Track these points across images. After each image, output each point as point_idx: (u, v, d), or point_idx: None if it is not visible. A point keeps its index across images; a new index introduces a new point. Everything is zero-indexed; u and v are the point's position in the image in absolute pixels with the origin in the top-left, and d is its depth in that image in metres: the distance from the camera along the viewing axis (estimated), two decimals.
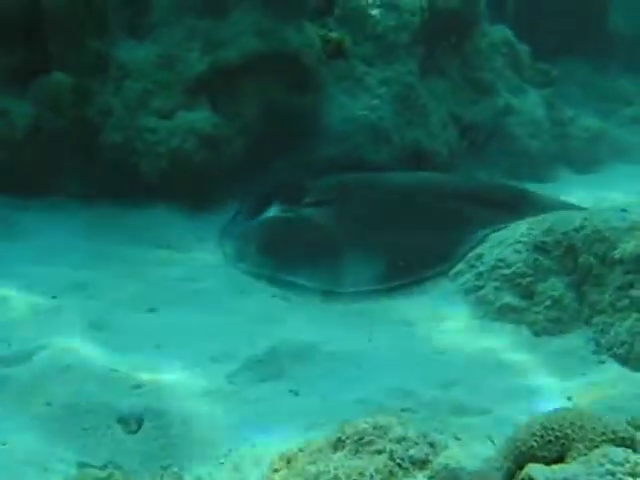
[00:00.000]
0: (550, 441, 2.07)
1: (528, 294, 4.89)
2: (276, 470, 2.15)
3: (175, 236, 5.97)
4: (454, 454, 2.08)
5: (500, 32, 9.34)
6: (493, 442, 2.71)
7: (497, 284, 5.00)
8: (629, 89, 11.12)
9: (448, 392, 4.05)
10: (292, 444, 2.42)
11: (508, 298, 4.92)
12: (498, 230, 5.41)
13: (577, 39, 10.49)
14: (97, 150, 6.32)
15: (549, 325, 4.74)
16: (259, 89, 6.77)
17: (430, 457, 2.06)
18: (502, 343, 4.66)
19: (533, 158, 8.76)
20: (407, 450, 2.05)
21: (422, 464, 2.04)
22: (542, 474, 1.94)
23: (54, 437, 3.39)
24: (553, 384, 4.13)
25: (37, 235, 5.70)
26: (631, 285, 4.49)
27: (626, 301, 4.48)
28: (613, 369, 4.29)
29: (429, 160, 7.60)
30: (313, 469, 1.98)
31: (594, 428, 2.06)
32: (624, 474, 1.89)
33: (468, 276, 5.20)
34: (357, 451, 2.04)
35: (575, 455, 2.02)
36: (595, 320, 4.59)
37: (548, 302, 4.79)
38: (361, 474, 1.88)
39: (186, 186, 6.29)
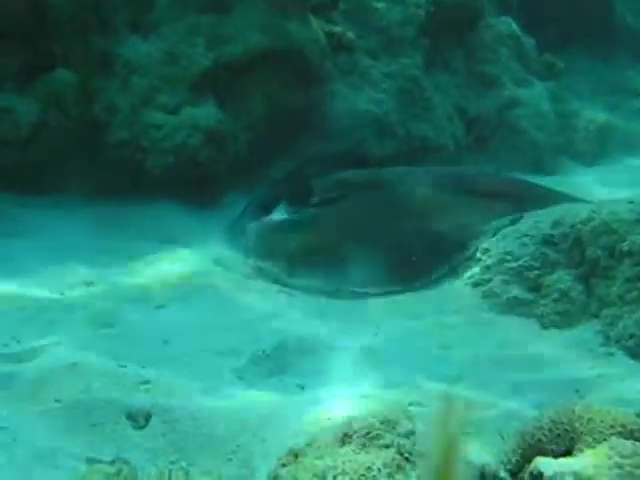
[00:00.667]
0: (558, 434, 2.06)
1: (536, 287, 4.88)
2: (284, 465, 2.15)
3: (181, 232, 5.97)
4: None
5: (505, 24, 9.31)
6: (502, 436, 2.71)
7: (504, 277, 4.99)
8: (636, 81, 11.07)
9: (455, 386, 4.04)
10: (300, 439, 2.42)
11: (516, 291, 4.91)
12: (508, 223, 5.39)
13: (583, 31, 10.43)
14: (103, 147, 6.32)
15: (557, 318, 4.72)
16: (264, 84, 6.76)
17: None
18: (510, 336, 4.65)
19: (539, 151, 8.73)
20: (415, 444, 2.05)
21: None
22: (550, 467, 1.94)
23: (63, 433, 3.40)
24: (561, 377, 4.11)
25: (43, 232, 5.71)
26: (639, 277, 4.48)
27: (635, 293, 4.46)
28: (622, 362, 4.27)
29: (435, 154, 7.59)
30: (321, 464, 1.97)
31: (602, 421, 2.05)
32: (632, 467, 1.88)
33: (475, 269, 5.20)
34: (364, 445, 2.03)
35: (583, 448, 2.02)
36: (603, 313, 4.58)
37: (556, 295, 4.78)
38: (369, 469, 1.88)
39: (191, 182, 6.30)
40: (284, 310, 4.95)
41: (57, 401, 3.59)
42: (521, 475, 2.10)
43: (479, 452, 2.68)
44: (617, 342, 4.40)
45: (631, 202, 4.87)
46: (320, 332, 4.64)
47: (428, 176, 6.37)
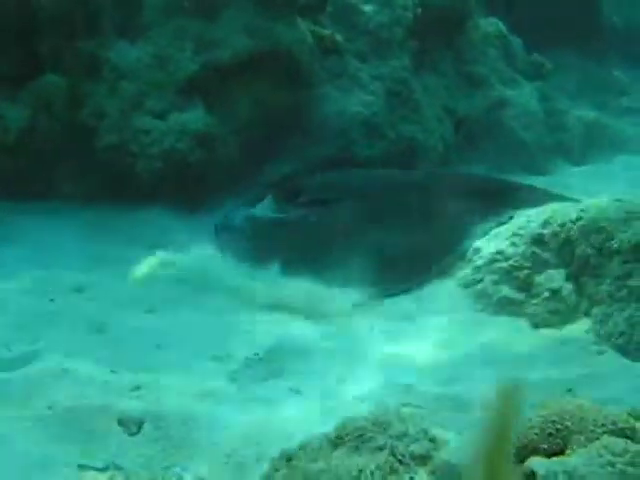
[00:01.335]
0: (551, 434, 2.07)
1: (526, 286, 4.88)
2: (277, 469, 2.14)
3: (171, 236, 5.95)
4: (455, 449, 2.08)
5: (493, 25, 9.35)
6: None
7: (495, 277, 5.00)
8: (623, 80, 11.13)
9: (449, 386, 4.05)
10: (293, 442, 2.42)
11: (506, 291, 4.92)
12: (496, 224, 5.40)
13: (570, 31, 10.49)
14: (92, 152, 6.30)
15: (548, 317, 4.74)
16: (252, 88, 6.76)
17: (431, 453, 2.06)
18: (502, 336, 4.66)
19: (528, 150, 8.76)
20: (408, 446, 2.05)
21: (423, 460, 2.04)
22: (544, 467, 1.94)
23: (55, 440, 3.38)
24: (553, 376, 4.12)
25: (33, 238, 5.69)
26: (629, 275, 4.49)
27: (624, 291, 4.48)
28: (613, 359, 4.28)
29: (424, 154, 7.60)
30: (314, 467, 1.97)
31: (594, 419, 2.06)
32: (624, 464, 1.89)
33: (466, 270, 5.20)
34: (357, 448, 2.03)
35: (576, 447, 2.02)
36: (594, 311, 4.59)
37: (546, 294, 4.79)
38: (362, 471, 1.88)
39: (181, 186, 6.29)
40: (275, 312, 4.94)
41: (49, 408, 3.58)
42: None
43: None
44: (608, 340, 4.41)
45: (619, 200, 4.88)
46: (312, 334, 4.63)
47: (417, 178, 6.38)
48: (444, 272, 5.30)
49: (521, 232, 5.06)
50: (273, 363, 4.25)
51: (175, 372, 4.08)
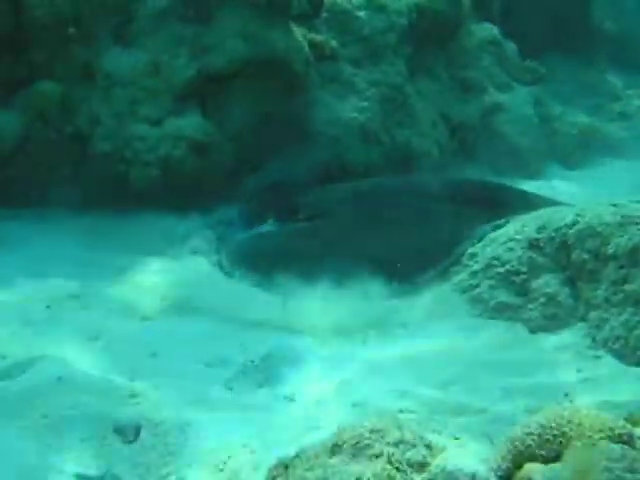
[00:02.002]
0: (548, 440, 2.06)
1: (523, 291, 4.88)
2: (274, 477, 2.13)
3: (166, 243, 5.95)
4: (452, 455, 2.08)
5: (487, 31, 9.38)
6: (492, 441, 2.70)
7: (492, 282, 5.00)
8: (616, 84, 11.17)
9: (446, 392, 4.05)
10: (290, 450, 2.41)
11: (503, 296, 4.92)
12: (493, 229, 5.41)
13: (562, 36, 10.53)
14: (86, 159, 6.30)
15: (545, 322, 4.74)
16: (247, 94, 6.76)
17: (428, 459, 2.05)
18: (498, 341, 4.65)
19: (523, 155, 8.78)
20: (405, 453, 2.04)
21: (420, 467, 2.03)
22: (541, 473, 1.94)
23: (51, 449, 3.37)
24: (550, 381, 4.12)
25: (29, 246, 5.68)
26: (625, 280, 4.49)
27: (621, 296, 4.48)
28: (609, 364, 4.28)
29: (419, 160, 7.61)
30: (311, 475, 1.96)
31: (591, 425, 2.05)
32: (622, 471, 1.88)
33: (463, 275, 5.20)
34: (354, 455, 2.02)
35: None
36: (590, 316, 4.59)
37: (543, 299, 4.79)
38: (359, 479, 1.87)
39: (176, 193, 6.28)
40: (273, 320, 4.94)
41: (44, 416, 3.56)
42: None
43: (470, 458, 2.68)
44: (604, 345, 4.41)
45: (615, 205, 4.89)
46: (309, 342, 4.63)
47: (412, 185, 6.38)
48: (441, 277, 5.30)
49: (517, 237, 5.06)
50: (268, 370, 4.25)
51: (172, 379, 4.07)
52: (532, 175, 8.58)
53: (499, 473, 2.17)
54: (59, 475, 3.22)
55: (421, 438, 2.12)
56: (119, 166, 6.28)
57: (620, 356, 4.32)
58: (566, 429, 2.04)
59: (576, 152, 9.53)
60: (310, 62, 7.12)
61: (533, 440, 2.05)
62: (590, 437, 1.99)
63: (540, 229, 5.00)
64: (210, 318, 4.91)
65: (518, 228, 5.14)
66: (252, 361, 4.29)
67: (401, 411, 3.71)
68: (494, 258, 5.07)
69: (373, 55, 7.74)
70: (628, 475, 1.84)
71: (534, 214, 5.25)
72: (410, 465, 2.01)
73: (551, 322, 4.72)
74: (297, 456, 2.14)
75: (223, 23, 6.75)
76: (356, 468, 1.93)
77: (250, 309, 5.08)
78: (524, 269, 4.92)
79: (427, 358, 4.51)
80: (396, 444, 2.06)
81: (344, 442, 2.07)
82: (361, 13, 7.82)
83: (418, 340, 4.72)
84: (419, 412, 3.74)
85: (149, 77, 6.49)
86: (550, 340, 4.61)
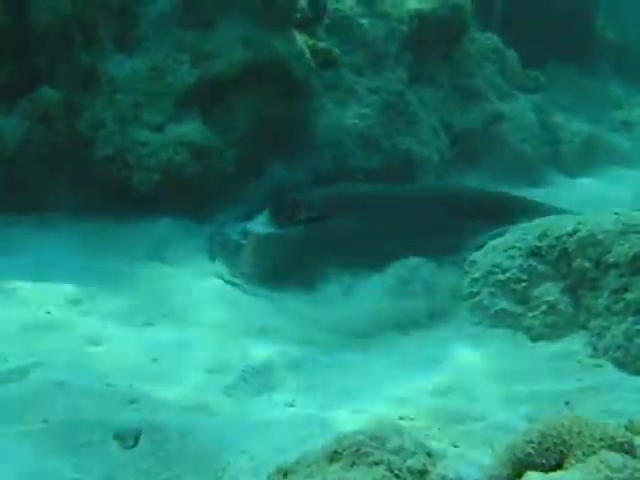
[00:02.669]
0: (548, 448, 2.05)
1: (523, 299, 4.88)
2: None
3: (167, 249, 5.95)
4: (452, 464, 2.07)
5: (489, 39, 9.40)
6: (492, 449, 2.70)
7: (492, 290, 4.99)
8: (618, 93, 11.19)
9: (446, 399, 4.04)
10: (289, 456, 2.41)
11: (504, 304, 4.91)
12: (493, 236, 5.40)
13: (564, 45, 10.55)
14: (88, 164, 6.30)
15: (545, 330, 4.73)
16: (249, 100, 6.78)
17: (428, 467, 2.05)
18: (499, 349, 4.65)
19: (525, 163, 8.78)
20: (405, 461, 2.03)
21: (420, 475, 2.03)
22: None
23: (51, 454, 3.36)
24: (551, 389, 4.11)
25: (30, 250, 5.68)
26: (626, 288, 4.49)
27: (621, 304, 4.47)
28: (610, 373, 4.27)
29: (420, 167, 7.62)
30: None
31: (592, 434, 2.04)
32: None
33: (463, 283, 5.19)
34: (354, 463, 2.02)
35: (573, 461, 2.01)
36: (591, 324, 4.58)
37: (544, 307, 4.78)
38: None
39: (178, 198, 6.28)
40: (273, 326, 4.93)
41: (44, 421, 3.56)
42: None
43: (470, 466, 2.67)
44: (605, 353, 4.40)
45: (616, 213, 4.89)
46: (309, 347, 4.62)
47: (414, 192, 6.38)
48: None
49: (518, 245, 5.06)
50: (268, 376, 4.24)
51: (172, 385, 4.06)
52: (534, 183, 8.58)
53: None
54: None
55: (422, 446, 2.11)
56: (121, 171, 6.29)
57: (621, 365, 4.31)
58: (566, 437, 2.03)
59: (579, 160, 9.54)
60: (311, 68, 7.14)
61: (533, 448, 2.04)
62: (591, 446, 1.99)
63: (541, 237, 5.00)
64: (210, 322, 4.92)
65: (519, 236, 5.14)
66: (252, 367, 4.28)
67: (401, 418, 3.70)
68: (495, 266, 5.06)
69: (375, 62, 7.76)
70: None
71: (535, 222, 5.25)
72: (410, 473, 2.01)
73: (552, 330, 4.71)
74: (297, 462, 2.14)
75: (225, 29, 6.77)
76: (356, 475, 1.93)
77: (251, 315, 5.08)
78: (525, 277, 4.91)
79: (427, 366, 4.50)
80: (396, 452, 2.05)
81: (344, 449, 2.07)
82: (363, 20, 7.84)
83: (417, 347, 4.72)
84: (419, 419, 3.73)
85: (151, 82, 6.50)
86: (551, 348, 4.60)
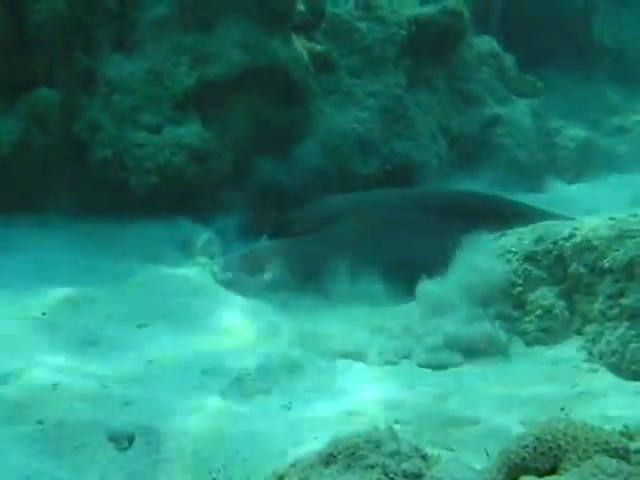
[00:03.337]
0: (543, 452, 2.06)
1: (519, 304, 4.89)
2: None
3: (164, 251, 5.95)
4: (447, 467, 2.07)
5: (486, 44, 9.42)
6: (487, 453, 2.70)
7: None
8: (614, 99, 11.22)
9: (441, 403, 4.04)
10: (284, 459, 2.41)
11: (499, 308, 4.91)
12: (490, 241, 5.41)
13: (561, 50, 10.58)
14: (86, 166, 6.30)
15: (541, 335, 4.73)
16: (248, 103, 6.79)
17: (423, 471, 2.05)
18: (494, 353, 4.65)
19: (522, 168, 8.80)
20: (400, 464, 2.04)
21: (416, 478, 2.03)
22: None
23: (45, 456, 3.36)
24: (546, 394, 4.12)
25: (27, 251, 5.68)
26: (621, 294, 4.49)
27: (616, 310, 4.48)
28: (605, 378, 4.28)
29: (418, 171, 7.63)
30: None
31: (587, 439, 2.05)
32: None
33: None
34: (349, 466, 2.02)
35: (568, 466, 2.01)
36: (586, 329, 4.59)
37: (539, 312, 4.79)
38: None
39: (175, 200, 6.28)
40: (268, 330, 4.94)
41: (39, 423, 3.55)
42: None
43: (465, 470, 2.68)
44: (600, 358, 4.41)
45: (612, 219, 4.90)
46: (305, 351, 4.63)
47: (411, 198, 6.39)
48: None
49: (514, 249, 5.07)
50: (263, 380, 4.24)
51: (167, 387, 4.06)
52: (531, 188, 8.60)
53: None
54: None
55: (417, 449, 2.12)
56: (119, 173, 6.29)
57: (616, 370, 4.32)
58: (561, 442, 2.03)
59: (575, 166, 9.56)
60: (310, 72, 7.15)
61: (528, 453, 2.04)
62: (585, 451, 1.99)
63: (537, 242, 5.00)
64: (206, 325, 4.92)
65: (515, 241, 5.14)
66: (247, 370, 4.28)
67: (397, 422, 3.71)
68: None
69: (373, 66, 7.77)
70: None
71: (531, 227, 5.26)
72: (405, 476, 2.01)
73: (547, 335, 4.72)
74: (292, 466, 2.14)
75: (224, 32, 6.78)
76: (351, 478, 1.93)
77: (250, 316, 5.08)
78: (520, 281, 4.92)
79: (422, 370, 4.51)
80: (392, 455, 2.05)
81: (339, 452, 2.07)
82: (361, 24, 7.86)
83: (414, 350, 4.72)
84: (415, 423, 3.74)
85: (150, 85, 6.51)
86: (546, 353, 4.61)
